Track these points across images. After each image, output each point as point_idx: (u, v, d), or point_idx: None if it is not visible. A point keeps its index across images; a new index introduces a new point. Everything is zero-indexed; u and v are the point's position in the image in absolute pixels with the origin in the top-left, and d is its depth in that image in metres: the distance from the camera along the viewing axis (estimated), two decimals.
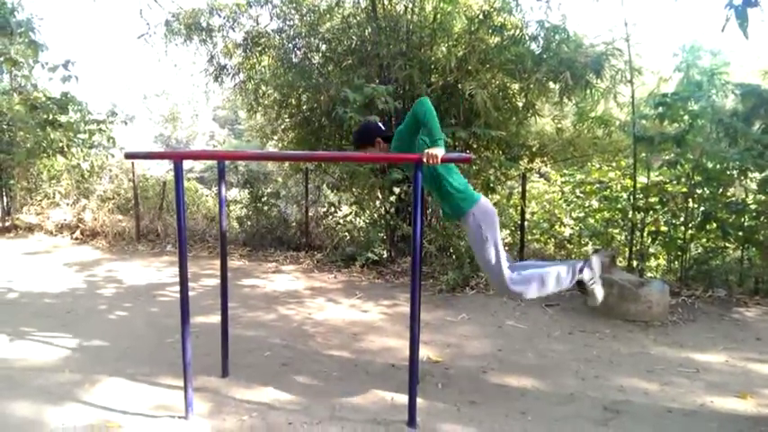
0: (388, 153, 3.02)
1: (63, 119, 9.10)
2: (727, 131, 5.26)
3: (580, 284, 3.12)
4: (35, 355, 3.62)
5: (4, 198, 9.66)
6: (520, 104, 6.59)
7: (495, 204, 6.83)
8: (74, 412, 2.82)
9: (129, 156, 2.92)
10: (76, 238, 8.43)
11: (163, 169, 10.59)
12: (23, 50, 9.25)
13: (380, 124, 3.16)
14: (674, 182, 5.57)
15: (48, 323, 4.34)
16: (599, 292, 3.16)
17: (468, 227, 2.98)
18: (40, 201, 9.09)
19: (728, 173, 5.24)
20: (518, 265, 3.10)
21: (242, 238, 7.95)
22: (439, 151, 2.56)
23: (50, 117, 8.95)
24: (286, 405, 2.95)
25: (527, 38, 6.08)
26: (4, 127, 9.17)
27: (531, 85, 6.02)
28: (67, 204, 8.90)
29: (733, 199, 5.34)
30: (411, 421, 2.71)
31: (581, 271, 3.07)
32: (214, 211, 8.91)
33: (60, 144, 9.03)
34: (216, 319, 3.93)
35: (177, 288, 2.74)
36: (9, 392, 3.04)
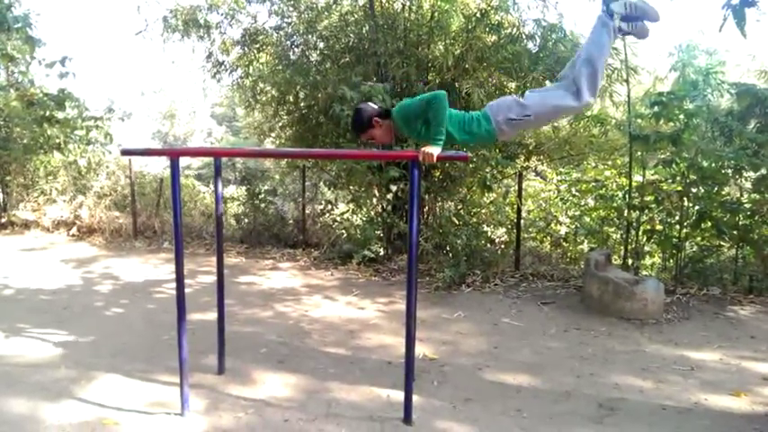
0: (390, 127, 2.93)
1: (60, 115, 9.07)
2: (723, 130, 5.30)
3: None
4: (31, 352, 3.62)
5: (1, 194, 9.63)
6: None
7: (491, 203, 6.93)
8: (70, 409, 2.82)
9: (125, 152, 2.92)
10: (73, 235, 8.41)
11: (160, 166, 10.57)
12: (20, 46, 9.23)
13: (371, 104, 3.06)
14: (670, 180, 5.59)
15: (44, 320, 4.33)
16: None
17: (510, 128, 2.81)
18: (37, 197, 9.06)
19: (723, 172, 5.27)
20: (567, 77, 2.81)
21: (239, 236, 7.95)
22: (435, 150, 2.58)
23: (47, 113, 8.92)
24: (282, 402, 2.96)
25: (524, 36, 6.08)
26: (1, 123, 9.14)
27: (528, 84, 6.01)
28: (64, 201, 8.87)
29: (728, 198, 5.37)
30: (407, 418, 2.72)
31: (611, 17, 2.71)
32: (211, 209, 8.90)
33: (57, 140, 9.00)
34: (212, 315, 3.93)
35: (174, 285, 2.74)
36: (5, 389, 3.04)
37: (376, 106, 3.02)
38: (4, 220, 9.12)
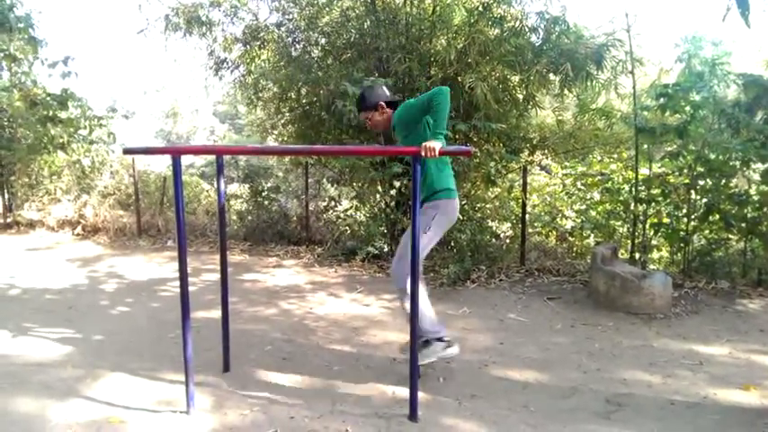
0: (390, 119, 2.97)
1: (63, 115, 9.08)
2: (730, 122, 5.23)
3: (426, 343, 3.04)
4: (37, 351, 3.62)
5: (6, 194, 9.67)
6: (520, 97, 6.55)
7: (495, 197, 6.89)
8: (76, 408, 2.82)
9: (127, 151, 2.91)
10: (78, 234, 8.43)
11: (163, 164, 10.58)
12: (23, 47, 9.23)
13: (385, 89, 3.07)
14: (677, 173, 5.55)
15: (50, 319, 4.34)
16: (425, 360, 3.04)
17: (426, 210, 2.98)
18: (42, 197, 9.09)
19: (731, 164, 5.22)
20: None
21: (242, 233, 7.95)
22: (437, 144, 2.56)
23: (50, 113, 8.94)
24: (287, 399, 2.94)
25: (527, 29, 6.03)
26: (5, 123, 9.17)
27: (532, 77, 5.97)
28: (69, 200, 8.90)
29: (736, 190, 5.31)
30: (412, 415, 2.70)
31: (439, 339, 3.04)
32: (215, 206, 8.91)
33: (61, 140, 9.02)
34: (217, 313, 3.92)
35: (178, 283, 2.73)
36: (11, 388, 3.04)
37: (388, 93, 3.02)
38: (9, 220, 9.17)
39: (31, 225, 8.89)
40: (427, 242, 2.96)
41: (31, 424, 2.65)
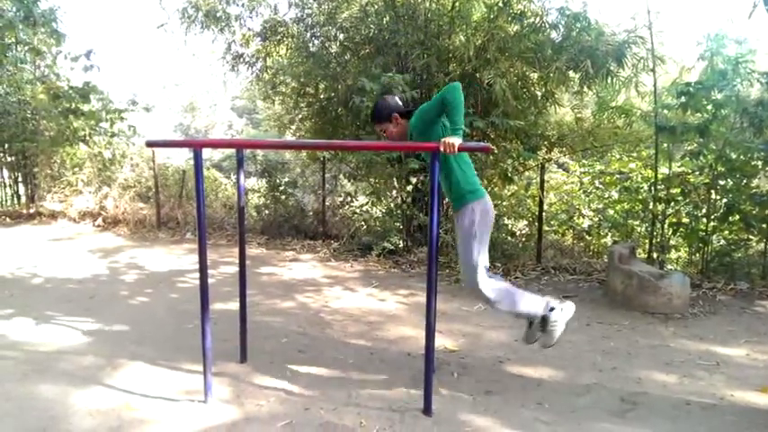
0: (406, 130, 2.95)
1: (85, 108, 9.23)
2: (752, 121, 5.15)
3: (544, 320, 2.98)
4: (59, 339, 3.71)
5: (29, 185, 9.88)
6: (539, 94, 6.51)
7: (512, 195, 6.86)
8: (97, 395, 2.89)
9: (150, 144, 2.95)
10: (99, 226, 8.58)
11: (183, 158, 10.72)
12: (46, 40, 9.40)
13: (398, 99, 3.07)
14: (697, 173, 5.48)
15: (71, 308, 4.44)
16: (556, 336, 2.99)
17: (463, 218, 2.91)
18: (64, 188, 9.26)
19: (753, 164, 5.15)
20: (494, 276, 3.01)
21: (260, 227, 8.03)
22: (456, 140, 2.55)
23: (73, 106, 9.09)
24: (303, 391, 2.98)
25: (547, 26, 5.98)
26: (28, 116, 9.35)
27: (551, 74, 5.93)
28: (90, 192, 9.06)
29: (757, 190, 5.23)
30: (427, 410, 2.72)
31: (551, 310, 2.96)
32: (232, 200, 9.00)
33: (83, 132, 9.18)
34: (234, 305, 3.98)
35: (197, 275, 2.77)
36: (35, 375, 3.13)
37: (401, 103, 3.02)
38: (32, 211, 9.36)
39: (54, 216, 9.07)
40: (479, 248, 2.88)
41: (52, 410, 2.73)
